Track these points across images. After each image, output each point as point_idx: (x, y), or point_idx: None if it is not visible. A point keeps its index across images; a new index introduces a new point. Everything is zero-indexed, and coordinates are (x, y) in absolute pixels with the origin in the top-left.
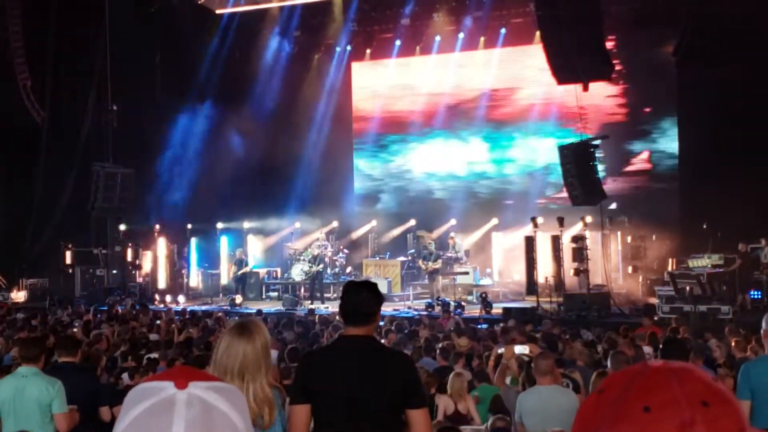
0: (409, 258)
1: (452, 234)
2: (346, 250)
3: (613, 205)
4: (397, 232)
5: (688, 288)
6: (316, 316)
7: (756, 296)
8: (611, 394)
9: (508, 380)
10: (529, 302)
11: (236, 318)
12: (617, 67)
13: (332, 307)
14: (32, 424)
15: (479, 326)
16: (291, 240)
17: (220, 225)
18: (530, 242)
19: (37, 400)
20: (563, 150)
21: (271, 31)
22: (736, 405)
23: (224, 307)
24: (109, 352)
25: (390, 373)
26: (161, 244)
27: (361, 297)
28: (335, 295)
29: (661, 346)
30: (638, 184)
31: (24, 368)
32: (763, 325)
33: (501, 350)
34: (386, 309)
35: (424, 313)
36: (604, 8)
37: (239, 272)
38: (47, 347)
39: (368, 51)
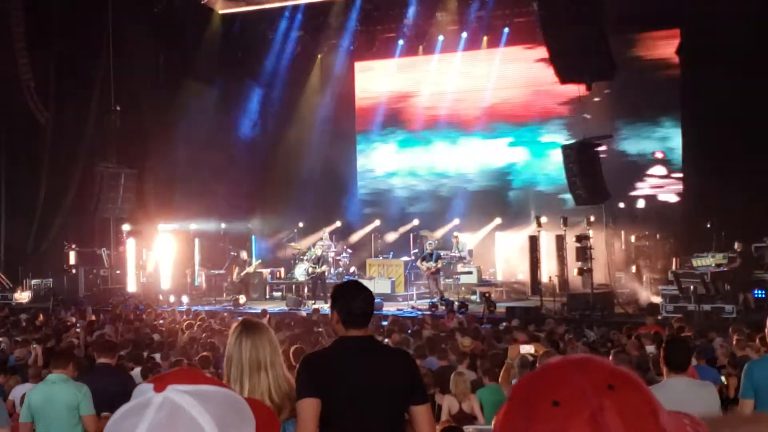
0: (413, 258)
1: (456, 233)
2: (349, 250)
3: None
4: (400, 231)
5: (692, 287)
6: (320, 316)
7: (760, 295)
8: (519, 397)
9: None
10: (532, 302)
11: (239, 318)
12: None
13: None
14: (63, 426)
15: (483, 326)
16: (294, 240)
17: (223, 225)
18: (534, 241)
19: (66, 403)
20: (566, 149)
21: (274, 32)
22: (643, 386)
23: (228, 307)
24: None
25: (394, 371)
26: (165, 245)
27: (361, 300)
28: None
29: (663, 344)
30: (642, 184)
31: (53, 375)
32: None
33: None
34: (390, 308)
35: (428, 312)
36: (607, 8)
37: (243, 272)
38: (73, 355)
39: (371, 50)
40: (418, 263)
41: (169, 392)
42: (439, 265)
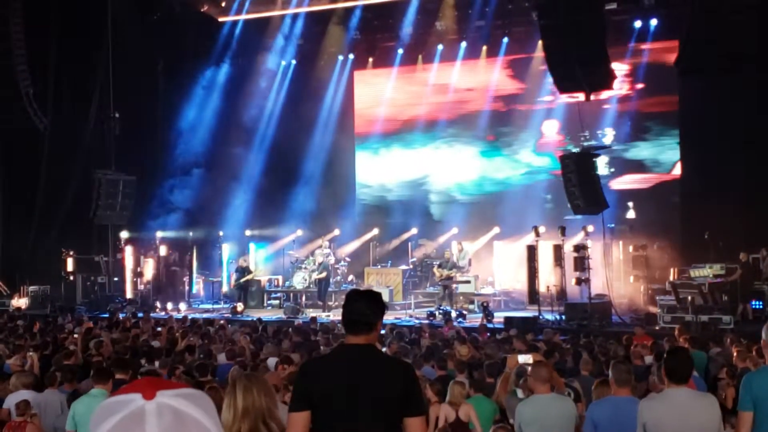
0: (411, 266)
1: (457, 242)
2: (347, 258)
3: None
4: (399, 240)
5: (689, 297)
6: (318, 324)
7: (757, 306)
8: None
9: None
10: (530, 311)
11: (238, 326)
12: (619, 76)
13: (333, 316)
14: None
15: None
16: (293, 248)
17: (221, 232)
18: (532, 251)
19: None
20: (565, 159)
21: (274, 40)
22: None
23: (226, 315)
24: (110, 360)
25: (388, 381)
26: (163, 252)
27: (358, 306)
28: (336, 303)
29: (665, 355)
30: (640, 194)
31: (96, 389)
32: (764, 335)
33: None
34: (387, 317)
35: (426, 321)
36: (606, 17)
37: (241, 280)
38: (111, 371)
39: (370, 60)
40: (434, 269)
41: (162, 398)
42: (452, 274)
